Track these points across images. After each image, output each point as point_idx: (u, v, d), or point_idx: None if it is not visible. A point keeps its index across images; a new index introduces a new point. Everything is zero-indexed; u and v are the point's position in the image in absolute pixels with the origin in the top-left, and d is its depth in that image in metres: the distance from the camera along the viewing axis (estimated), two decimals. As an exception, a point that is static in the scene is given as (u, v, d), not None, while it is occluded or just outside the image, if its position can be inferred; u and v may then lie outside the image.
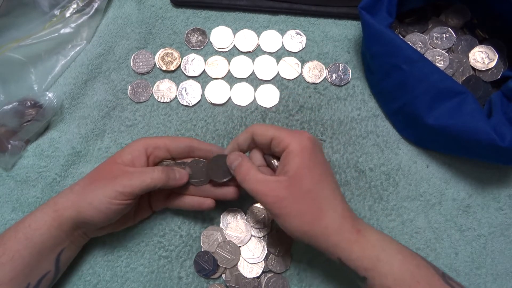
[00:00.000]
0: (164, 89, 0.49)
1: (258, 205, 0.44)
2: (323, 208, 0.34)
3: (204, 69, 0.50)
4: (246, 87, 0.49)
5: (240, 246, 0.42)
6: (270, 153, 0.38)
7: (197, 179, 0.40)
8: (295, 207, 0.33)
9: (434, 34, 0.49)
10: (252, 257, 0.42)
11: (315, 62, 0.50)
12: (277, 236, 0.42)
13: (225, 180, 0.39)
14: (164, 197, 0.42)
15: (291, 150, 0.34)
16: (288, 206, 0.34)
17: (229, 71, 0.50)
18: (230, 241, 0.42)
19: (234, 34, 0.51)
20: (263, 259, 0.42)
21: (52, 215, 0.36)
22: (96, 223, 0.37)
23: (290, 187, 0.34)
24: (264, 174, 0.35)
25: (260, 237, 0.42)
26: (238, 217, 0.43)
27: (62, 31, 0.48)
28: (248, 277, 0.41)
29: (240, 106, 0.48)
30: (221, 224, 0.43)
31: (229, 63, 0.50)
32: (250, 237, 0.42)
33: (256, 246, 0.42)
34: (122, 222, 0.41)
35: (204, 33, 0.51)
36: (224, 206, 0.44)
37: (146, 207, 0.42)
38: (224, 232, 0.43)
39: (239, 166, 0.36)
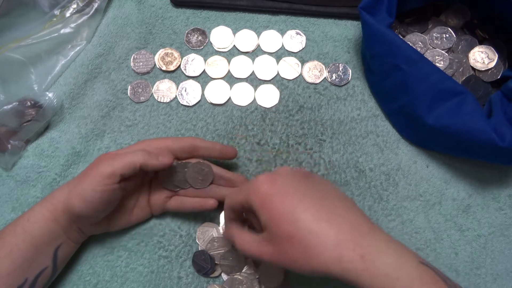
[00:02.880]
0: (164, 89, 0.49)
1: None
2: (311, 245, 0.30)
3: (204, 69, 0.50)
4: (246, 87, 0.49)
5: None
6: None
7: (199, 183, 0.41)
8: (285, 258, 0.31)
9: (434, 34, 0.49)
10: None
11: (315, 62, 0.50)
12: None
13: (203, 187, 0.41)
14: (164, 199, 0.42)
15: (254, 208, 0.32)
16: (279, 258, 0.31)
17: (229, 71, 0.50)
18: (233, 249, 0.42)
19: (234, 34, 0.51)
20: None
21: (49, 208, 0.37)
22: (85, 214, 0.36)
23: (271, 240, 0.32)
24: (250, 234, 0.34)
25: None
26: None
27: (62, 31, 0.48)
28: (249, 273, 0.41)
29: (240, 106, 0.48)
30: (220, 223, 0.43)
31: (229, 63, 0.50)
32: None
33: None
34: (117, 220, 0.41)
35: (204, 33, 0.51)
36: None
37: (144, 208, 0.42)
38: (222, 232, 0.43)
39: (235, 241, 0.35)
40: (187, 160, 0.42)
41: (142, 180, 0.41)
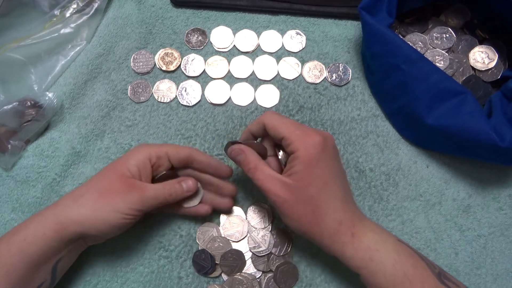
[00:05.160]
0: (164, 89, 0.49)
1: (257, 205, 0.44)
2: (322, 213, 0.35)
3: (204, 69, 0.50)
4: (246, 87, 0.49)
5: (242, 239, 0.43)
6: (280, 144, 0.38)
7: (190, 202, 0.41)
8: (295, 210, 0.35)
9: (434, 34, 0.49)
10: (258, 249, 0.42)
11: (315, 62, 0.50)
12: (277, 237, 0.42)
13: (195, 205, 0.41)
14: None
15: (298, 155, 0.35)
16: (289, 208, 0.35)
17: (229, 71, 0.50)
18: (233, 249, 0.42)
19: (234, 34, 0.51)
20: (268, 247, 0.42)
21: (54, 227, 0.35)
22: (106, 237, 0.37)
23: (293, 191, 0.35)
24: (271, 170, 0.36)
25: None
26: (233, 215, 0.44)
27: (62, 31, 0.48)
28: (250, 272, 0.41)
29: (240, 106, 0.48)
30: (221, 224, 0.43)
31: (229, 63, 0.50)
32: (248, 228, 0.43)
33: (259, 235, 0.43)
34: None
35: (204, 33, 0.51)
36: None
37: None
38: (222, 232, 0.43)
39: (245, 160, 0.37)
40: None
41: None
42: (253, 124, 0.39)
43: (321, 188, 0.35)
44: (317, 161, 0.35)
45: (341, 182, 0.37)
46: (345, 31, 0.51)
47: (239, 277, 0.41)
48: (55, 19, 0.49)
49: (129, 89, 0.49)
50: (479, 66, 0.48)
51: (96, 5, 0.50)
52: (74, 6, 0.49)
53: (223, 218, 0.43)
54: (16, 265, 0.34)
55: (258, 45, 0.51)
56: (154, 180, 0.41)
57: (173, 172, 0.41)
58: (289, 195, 0.35)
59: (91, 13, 0.50)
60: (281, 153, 0.39)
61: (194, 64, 0.50)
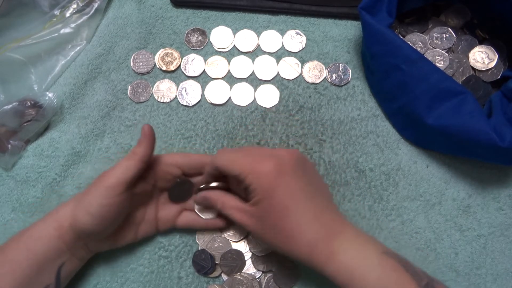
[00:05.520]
0: (164, 89, 0.49)
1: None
2: (291, 238, 0.34)
3: (204, 69, 0.50)
4: (246, 87, 0.49)
5: (242, 239, 0.42)
6: None
7: (209, 214, 0.42)
8: (266, 236, 0.35)
9: (434, 34, 0.49)
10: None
11: (315, 62, 0.50)
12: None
13: (213, 217, 0.41)
14: (173, 214, 0.42)
15: (253, 189, 0.35)
16: (259, 235, 0.36)
17: (229, 71, 0.50)
18: (233, 249, 0.42)
19: (234, 34, 0.51)
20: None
21: (54, 225, 0.36)
22: (92, 230, 0.36)
23: (258, 219, 0.35)
24: (236, 201, 0.37)
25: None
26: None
27: (62, 31, 0.48)
28: (250, 272, 0.41)
29: (240, 106, 0.48)
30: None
31: (229, 63, 0.50)
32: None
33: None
34: (124, 236, 0.40)
35: (204, 33, 0.51)
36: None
37: (151, 223, 0.41)
38: (222, 234, 0.43)
39: (212, 203, 0.39)
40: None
41: (150, 194, 0.41)
42: (208, 166, 0.39)
43: (284, 215, 0.34)
44: (273, 190, 0.34)
45: (310, 198, 0.35)
46: (345, 31, 0.51)
47: (239, 277, 0.41)
48: (55, 19, 0.49)
49: (129, 89, 0.49)
50: (479, 66, 0.48)
51: (96, 5, 0.50)
52: (74, 6, 0.49)
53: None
54: (22, 262, 0.35)
55: (258, 45, 0.51)
56: (168, 191, 0.42)
57: (186, 178, 0.41)
58: (255, 223, 0.35)
59: (91, 13, 0.50)
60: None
61: (194, 64, 0.50)
